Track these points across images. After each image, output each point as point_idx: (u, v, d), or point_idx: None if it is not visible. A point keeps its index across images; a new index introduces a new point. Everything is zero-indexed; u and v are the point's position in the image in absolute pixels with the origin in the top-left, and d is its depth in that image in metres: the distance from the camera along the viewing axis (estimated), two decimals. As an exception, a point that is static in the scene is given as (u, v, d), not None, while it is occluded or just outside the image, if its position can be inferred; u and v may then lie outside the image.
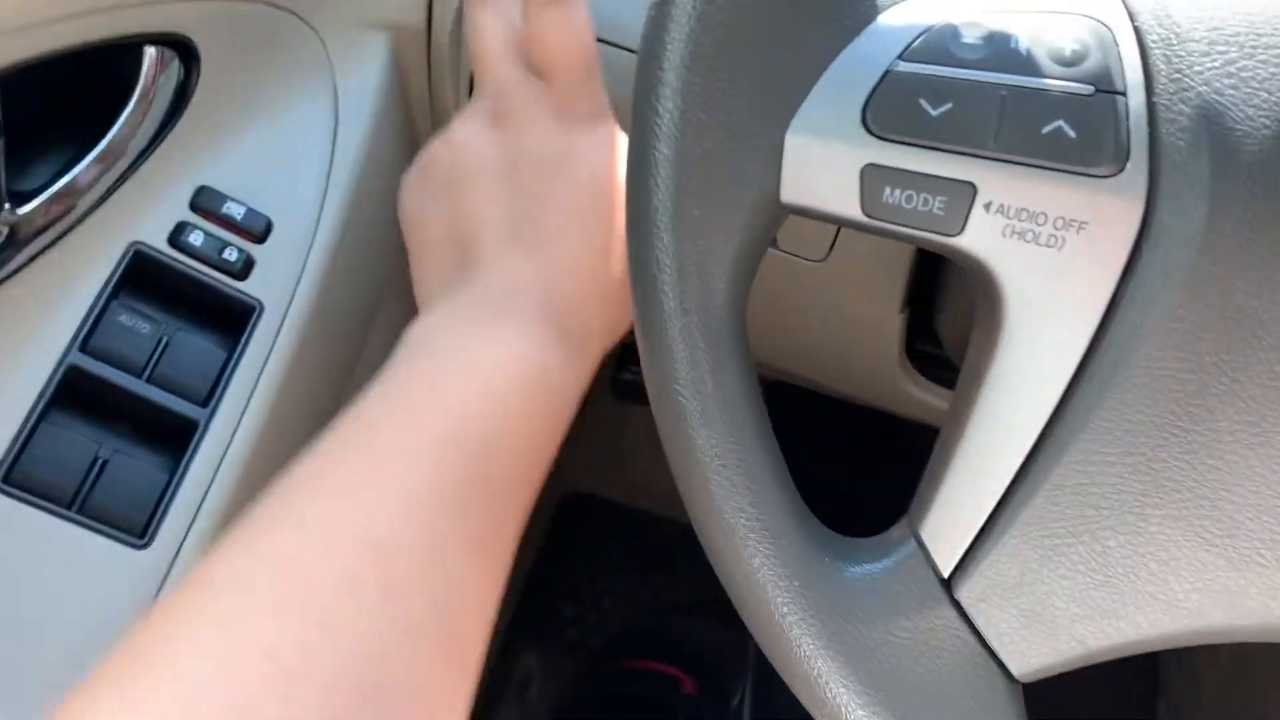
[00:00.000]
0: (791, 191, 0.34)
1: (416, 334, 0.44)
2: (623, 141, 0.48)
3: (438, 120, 0.69)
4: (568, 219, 0.45)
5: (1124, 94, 0.32)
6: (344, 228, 0.59)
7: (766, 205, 0.34)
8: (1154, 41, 0.32)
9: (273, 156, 0.58)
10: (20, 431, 0.47)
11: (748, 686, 1.19)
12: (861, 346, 0.68)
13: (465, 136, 0.48)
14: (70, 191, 0.49)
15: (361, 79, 0.62)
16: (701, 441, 0.35)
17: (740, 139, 0.33)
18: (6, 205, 0.45)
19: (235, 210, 0.55)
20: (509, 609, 1.23)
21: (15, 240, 0.47)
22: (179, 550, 0.48)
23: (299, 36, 0.59)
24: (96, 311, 0.50)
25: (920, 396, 0.68)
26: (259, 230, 0.56)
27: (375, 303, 0.66)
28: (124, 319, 0.50)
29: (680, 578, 1.29)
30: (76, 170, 0.49)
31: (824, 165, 0.33)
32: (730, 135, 0.33)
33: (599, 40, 0.59)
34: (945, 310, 0.62)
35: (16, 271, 0.49)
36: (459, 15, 0.64)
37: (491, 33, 0.49)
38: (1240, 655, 1.03)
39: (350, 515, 0.35)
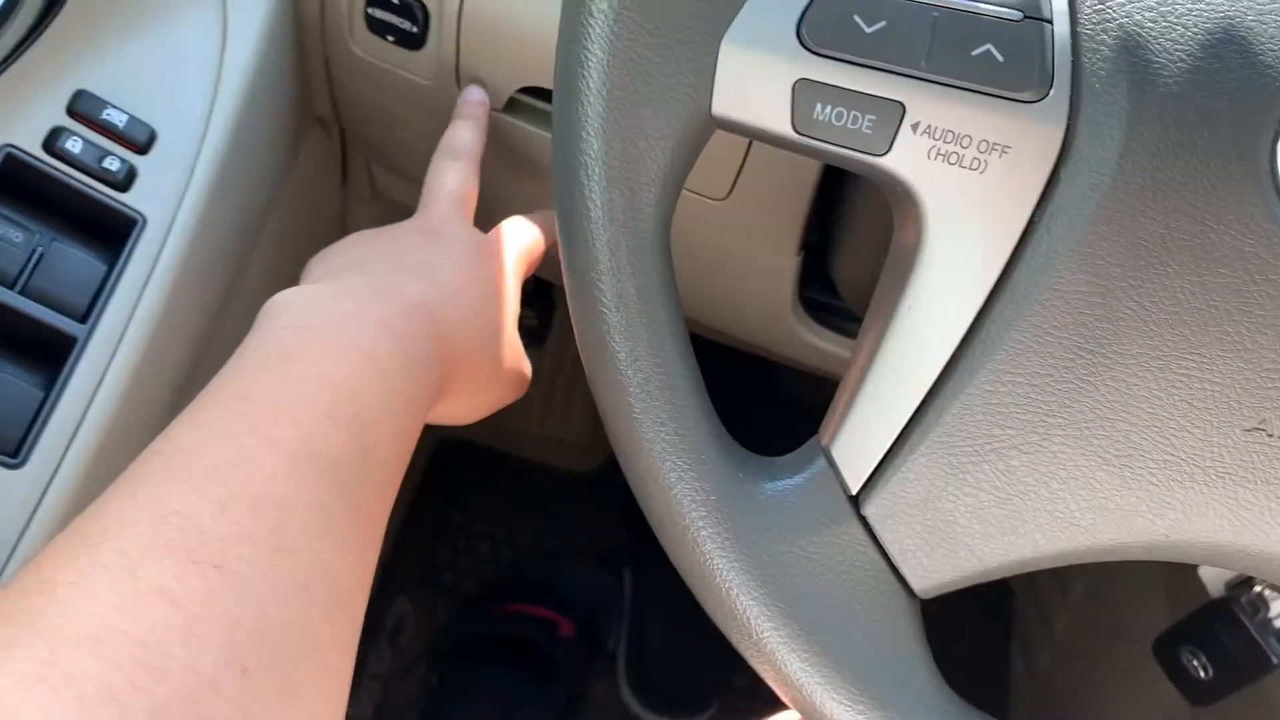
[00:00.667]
0: (723, 104, 0.34)
1: (295, 298, 0.45)
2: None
3: (329, 36, 0.66)
4: (457, 273, 0.52)
5: (1050, 21, 0.32)
6: (231, 141, 0.56)
7: (698, 117, 0.34)
8: (1079, -29, 0.33)
9: (157, 64, 0.55)
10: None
11: (624, 629, 1.20)
12: (756, 290, 0.68)
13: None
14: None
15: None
16: (624, 355, 0.34)
17: (674, 47, 0.33)
18: None
19: (116, 118, 0.52)
20: (383, 555, 1.21)
21: None
22: (56, 470, 0.45)
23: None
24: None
25: (815, 343, 0.69)
26: (142, 140, 0.53)
27: (261, 221, 0.63)
28: (-5, 226, 0.47)
29: (556, 522, 1.29)
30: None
31: (757, 79, 0.33)
32: (664, 42, 0.33)
33: None
34: (841, 255, 0.63)
35: None
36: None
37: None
38: (1091, 594, 1.10)
39: (240, 475, 0.35)
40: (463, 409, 0.53)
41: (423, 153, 0.61)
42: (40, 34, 0.51)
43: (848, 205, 0.58)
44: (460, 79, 0.63)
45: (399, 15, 0.61)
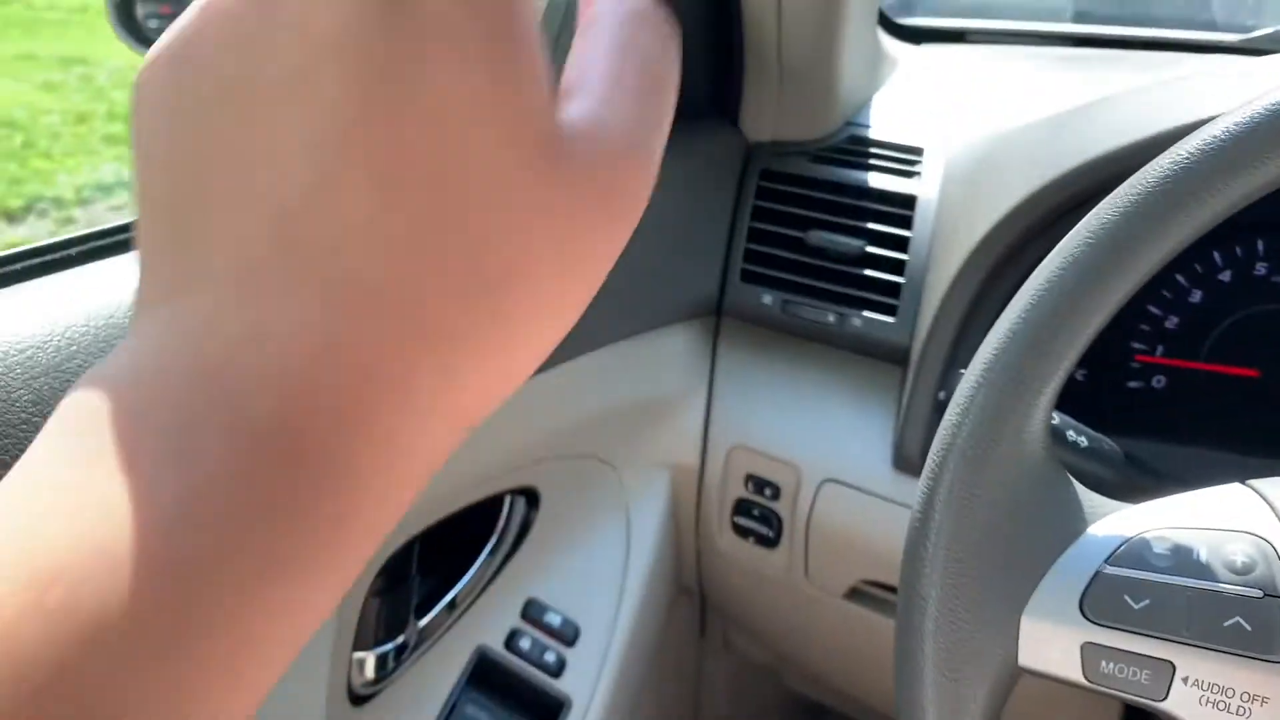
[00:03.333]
0: (1027, 658, 0.45)
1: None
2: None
3: (702, 539, 0.84)
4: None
5: (1288, 598, 0.42)
6: (633, 633, 0.72)
7: (1007, 668, 0.45)
8: (1309, 557, 0.42)
9: (581, 573, 0.74)
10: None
11: None
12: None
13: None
14: (449, 606, 0.64)
15: (648, 507, 0.78)
16: None
17: (987, 618, 0.45)
18: (412, 619, 0.61)
19: (554, 619, 0.70)
20: None
21: (412, 647, 0.62)
22: None
23: (606, 477, 0.76)
24: (452, 704, 0.64)
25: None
26: (570, 635, 0.70)
27: (662, 700, 0.78)
28: (469, 710, 0.64)
29: None
30: (455, 590, 0.65)
31: (1051, 641, 0.44)
32: (979, 615, 0.45)
33: (839, 482, 0.73)
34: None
35: (399, 669, 0.64)
36: (726, 456, 0.80)
37: None
38: None
39: None
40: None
41: (774, 621, 0.74)
42: (512, 558, 0.70)
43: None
44: (809, 571, 0.77)
45: (759, 523, 0.78)
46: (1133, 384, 0.76)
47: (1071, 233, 0.46)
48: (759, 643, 0.92)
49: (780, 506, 0.77)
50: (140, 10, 0.72)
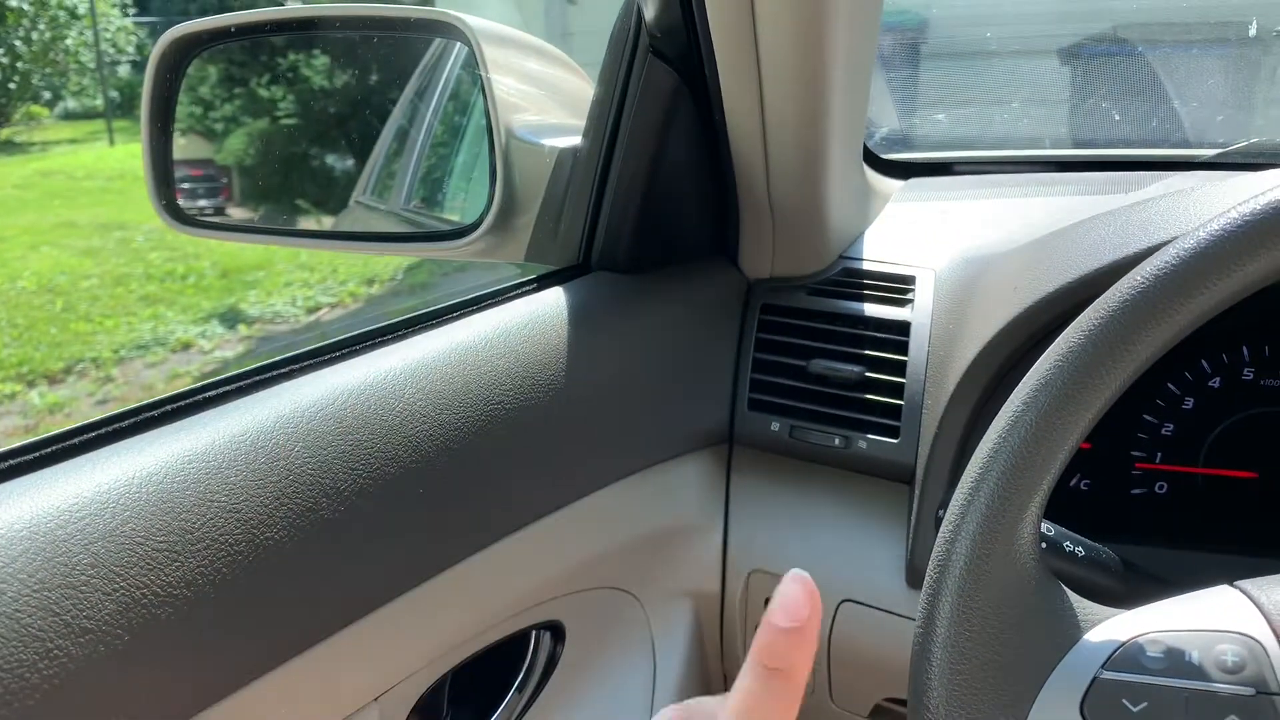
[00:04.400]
0: (1034, 767, 0.46)
1: None
2: None
3: (727, 663, 0.85)
4: None
5: (1279, 694, 0.44)
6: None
7: (1016, 778, 0.46)
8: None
9: (609, 705, 0.75)
10: None
11: None
12: None
13: None
14: (483, 743, 0.66)
15: (672, 636, 0.80)
16: None
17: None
18: (445, 759, 0.63)
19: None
20: None
21: (447, 784, 0.64)
22: None
23: (630, 609, 0.78)
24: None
25: None
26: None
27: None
28: None
29: None
30: (488, 727, 0.66)
31: (1057, 751, 0.46)
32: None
33: (856, 602, 0.75)
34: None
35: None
36: (746, 581, 0.82)
37: None
38: None
39: None
40: None
41: None
42: (541, 690, 0.72)
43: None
44: (832, 693, 0.79)
45: (780, 646, 0.80)
46: (1136, 491, 0.78)
47: (1042, 357, 0.49)
48: None
49: (801, 629, 0.78)
50: (181, 194, 0.79)
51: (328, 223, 1.46)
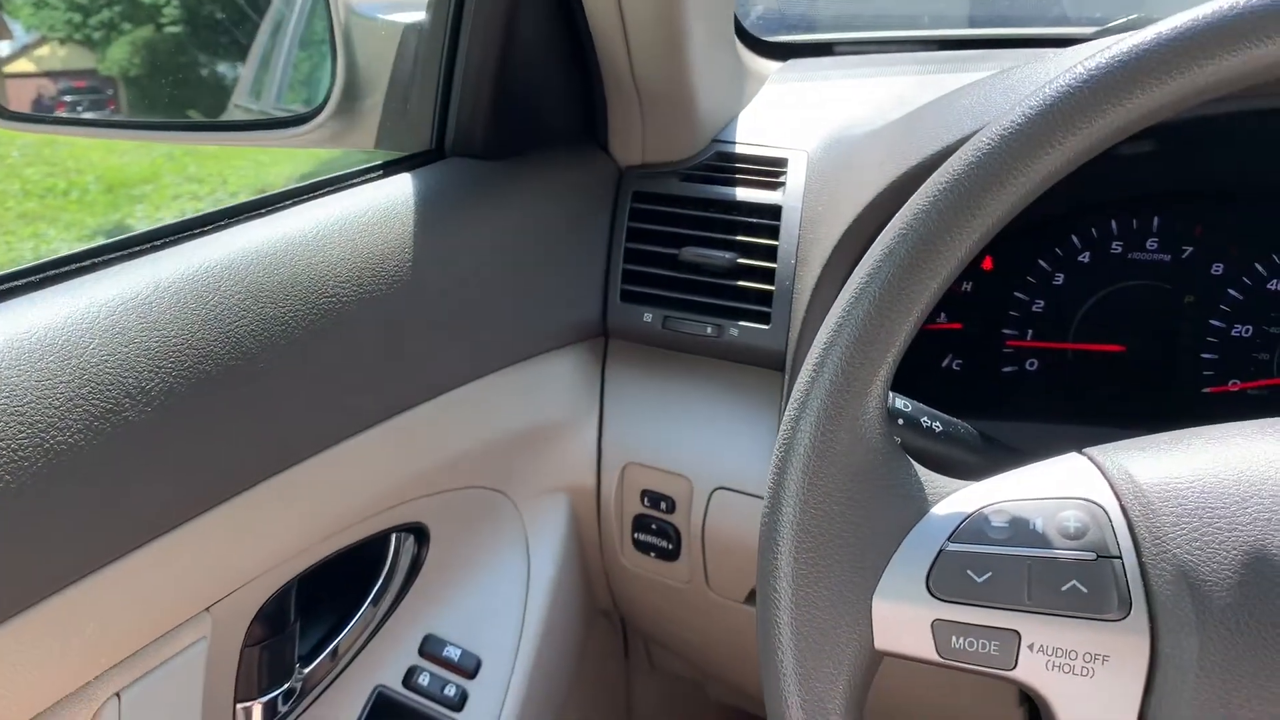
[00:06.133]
0: (882, 641, 0.45)
1: None
2: None
3: (608, 561, 0.84)
4: None
5: (1120, 558, 0.43)
6: (539, 660, 0.72)
7: (865, 653, 0.46)
8: (1136, 516, 0.44)
9: (480, 604, 0.73)
10: None
11: None
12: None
13: None
14: (336, 651, 0.64)
15: (547, 532, 0.78)
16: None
17: (840, 605, 0.46)
18: (298, 667, 0.60)
19: (453, 653, 0.69)
20: None
21: (301, 692, 0.61)
22: None
23: (501, 507, 0.76)
24: (349, 747, 0.63)
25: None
26: (471, 668, 0.69)
27: (562, 709, 0.77)
28: (370, 751, 0.63)
29: None
30: (342, 634, 0.64)
31: (903, 622, 0.45)
32: (831, 604, 0.46)
33: (730, 489, 0.74)
34: None
35: (293, 714, 0.63)
36: (621, 474, 0.80)
37: None
38: None
39: None
40: None
41: (687, 633, 0.75)
42: (404, 596, 0.70)
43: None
44: (709, 579, 0.78)
45: (658, 537, 0.78)
46: (1007, 369, 0.77)
47: (888, 227, 0.47)
48: (679, 658, 0.93)
49: (676, 519, 0.77)
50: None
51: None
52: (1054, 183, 0.46)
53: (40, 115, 0.76)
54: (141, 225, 4.97)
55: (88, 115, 1.02)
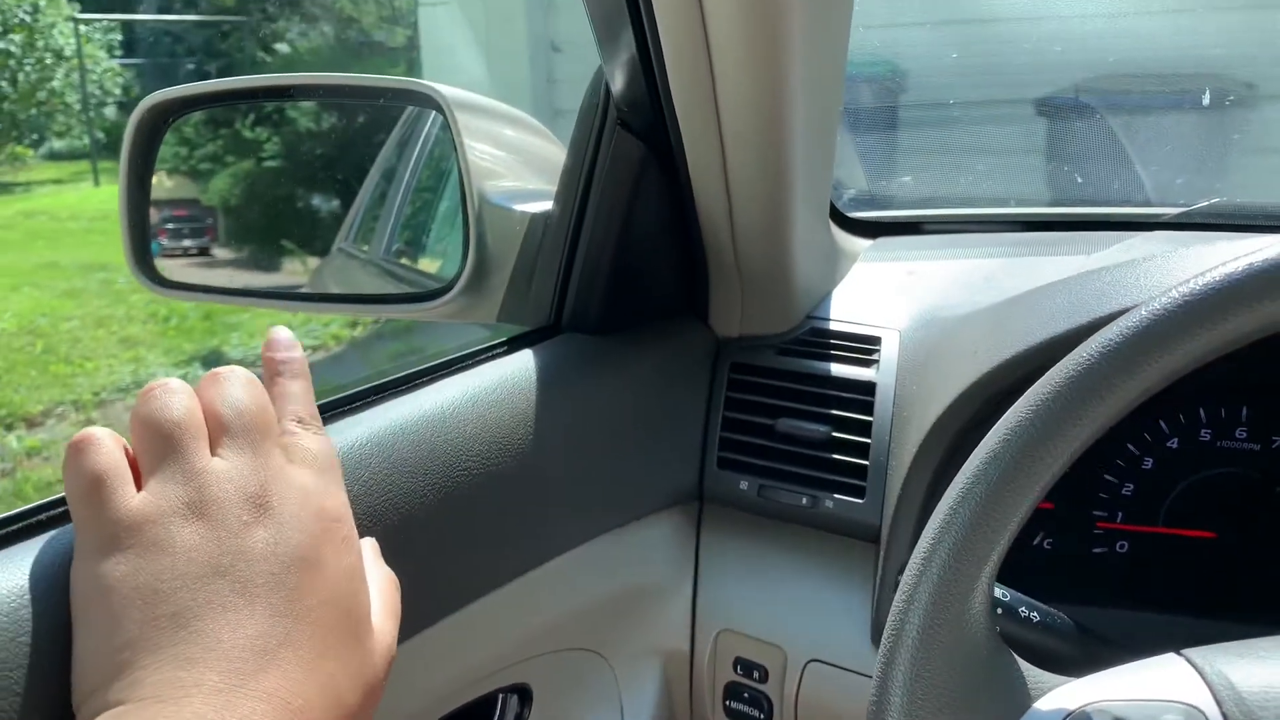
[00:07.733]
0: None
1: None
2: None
3: (696, 716, 0.85)
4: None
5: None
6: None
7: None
8: (1237, 725, 0.45)
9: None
10: None
11: None
12: None
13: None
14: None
15: (641, 696, 0.81)
16: None
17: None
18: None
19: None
20: None
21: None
22: None
23: (598, 669, 0.79)
24: None
25: None
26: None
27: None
28: None
29: None
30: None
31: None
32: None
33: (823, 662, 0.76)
34: None
35: None
36: (715, 640, 0.82)
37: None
38: None
39: None
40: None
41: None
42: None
43: None
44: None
45: (750, 706, 0.80)
46: (1097, 550, 0.79)
47: (993, 430, 0.51)
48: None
49: (769, 689, 0.79)
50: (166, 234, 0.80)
51: (306, 275, 1.47)
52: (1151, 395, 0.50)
53: (190, 284, 0.83)
54: (235, 353, 5.19)
55: (236, 286, 1.10)
